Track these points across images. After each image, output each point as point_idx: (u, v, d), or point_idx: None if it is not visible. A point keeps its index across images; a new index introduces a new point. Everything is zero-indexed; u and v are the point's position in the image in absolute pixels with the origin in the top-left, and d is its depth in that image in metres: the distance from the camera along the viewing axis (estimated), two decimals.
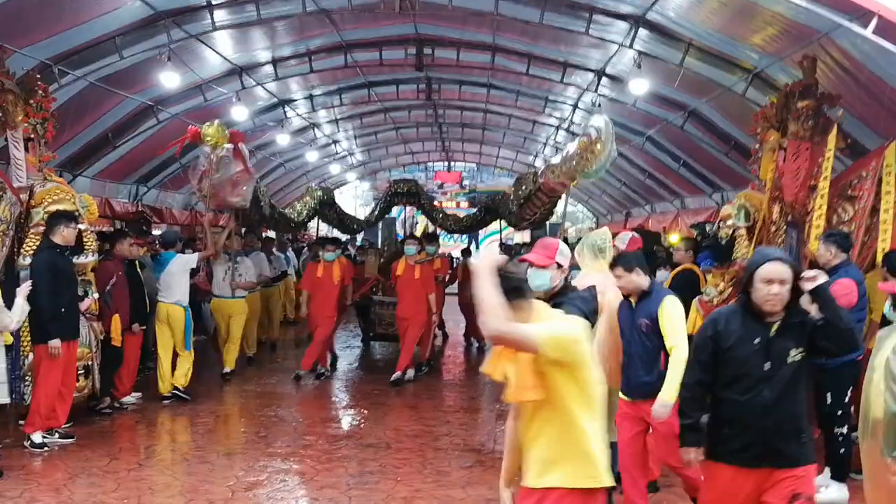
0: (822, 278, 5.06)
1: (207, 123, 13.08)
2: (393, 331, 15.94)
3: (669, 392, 6.58)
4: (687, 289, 10.87)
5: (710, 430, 5.30)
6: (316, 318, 14.67)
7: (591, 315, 5.97)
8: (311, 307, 14.78)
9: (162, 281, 12.47)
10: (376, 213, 19.83)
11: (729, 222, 9.88)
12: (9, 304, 8.58)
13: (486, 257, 4.36)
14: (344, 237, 25.34)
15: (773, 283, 4.99)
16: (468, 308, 17.88)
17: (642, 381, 6.98)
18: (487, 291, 4.18)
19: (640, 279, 7.02)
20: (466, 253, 20.97)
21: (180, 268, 12.51)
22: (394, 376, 13.95)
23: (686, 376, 5.57)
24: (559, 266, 6.09)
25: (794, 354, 5.04)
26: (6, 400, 8.66)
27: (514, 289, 4.37)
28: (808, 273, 5.08)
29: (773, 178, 10.03)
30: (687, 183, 17.78)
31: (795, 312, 5.08)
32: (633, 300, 7.15)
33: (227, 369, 14.11)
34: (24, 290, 8.77)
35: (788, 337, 5.05)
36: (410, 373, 14.37)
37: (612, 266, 7.19)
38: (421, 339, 14.73)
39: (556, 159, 11.84)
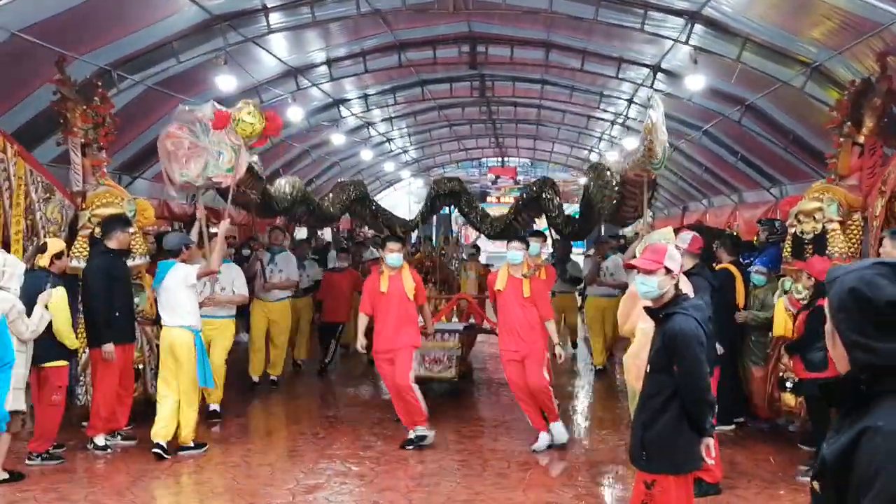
0: None
1: (246, 108, 10.20)
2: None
3: None
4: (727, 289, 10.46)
5: None
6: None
7: (706, 323, 5.64)
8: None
9: (160, 297, 9.76)
10: (418, 217, 17.16)
11: (818, 216, 9.67)
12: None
13: None
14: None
15: None
16: None
17: None
18: None
19: None
20: None
21: (177, 281, 9.56)
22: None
23: None
24: (668, 271, 5.68)
25: None
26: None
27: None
28: None
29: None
30: (745, 177, 17.55)
31: None
32: None
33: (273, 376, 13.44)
34: (43, 297, 8.59)
35: None
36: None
37: None
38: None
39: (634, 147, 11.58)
